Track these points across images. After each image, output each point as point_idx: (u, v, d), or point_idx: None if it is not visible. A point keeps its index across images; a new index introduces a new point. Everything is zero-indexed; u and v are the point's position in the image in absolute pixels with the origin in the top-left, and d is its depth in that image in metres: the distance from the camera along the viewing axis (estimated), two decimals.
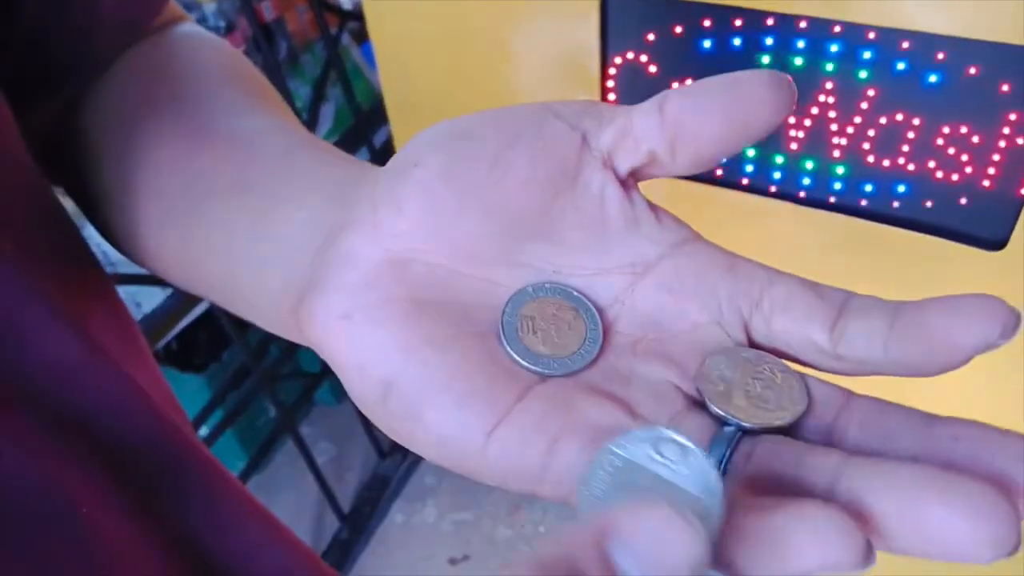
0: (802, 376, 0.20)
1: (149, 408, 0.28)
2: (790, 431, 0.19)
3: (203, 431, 1.14)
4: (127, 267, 0.34)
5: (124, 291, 0.96)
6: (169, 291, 1.01)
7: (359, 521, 1.26)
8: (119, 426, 0.28)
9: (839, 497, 0.17)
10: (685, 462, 0.17)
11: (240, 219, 0.27)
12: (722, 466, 0.18)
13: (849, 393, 0.20)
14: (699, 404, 0.20)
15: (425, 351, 0.21)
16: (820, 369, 0.21)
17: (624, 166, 0.22)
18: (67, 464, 0.25)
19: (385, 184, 0.22)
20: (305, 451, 1.16)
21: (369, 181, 0.23)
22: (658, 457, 0.17)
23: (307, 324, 0.22)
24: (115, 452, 0.27)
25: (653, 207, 0.23)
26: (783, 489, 0.18)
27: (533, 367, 0.21)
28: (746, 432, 0.19)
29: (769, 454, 0.19)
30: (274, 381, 1.18)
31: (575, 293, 0.22)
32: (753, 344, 0.21)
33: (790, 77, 0.21)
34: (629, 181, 0.23)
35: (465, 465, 0.20)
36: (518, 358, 0.21)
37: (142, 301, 0.99)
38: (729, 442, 0.19)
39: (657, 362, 0.21)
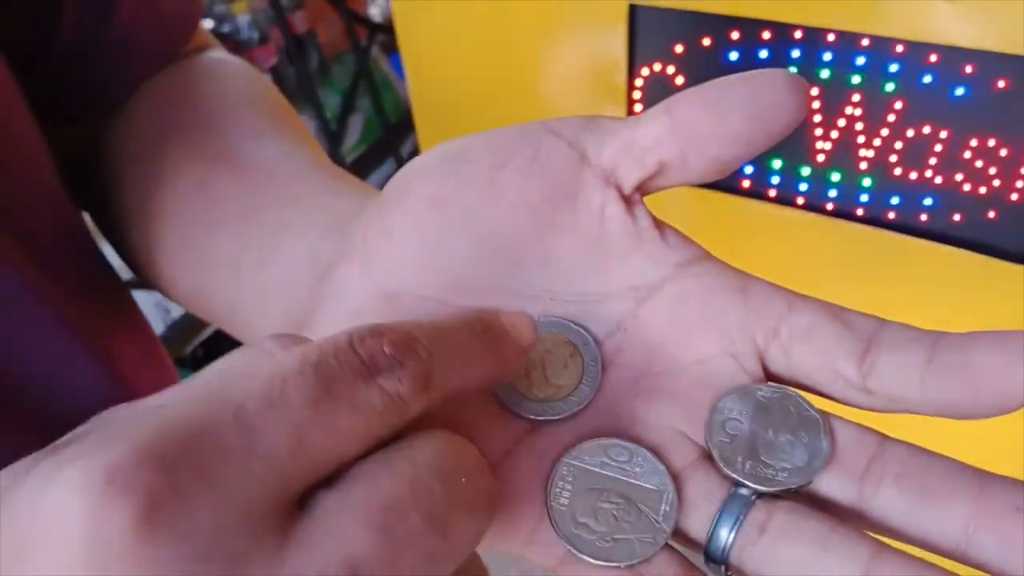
0: (826, 419, 0.18)
1: None
2: (813, 482, 0.18)
3: None
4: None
5: (152, 297, 0.98)
6: None
7: None
8: None
9: None
10: (634, 461, 0.18)
11: (247, 250, 0.27)
12: (732, 533, 0.17)
13: (883, 438, 0.18)
14: (708, 455, 0.19)
15: None
16: (848, 404, 0.19)
17: (629, 181, 0.21)
18: None
19: (376, 214, 0.22)
20: None
21: (366, 212, 0.23)
22: (610, 461, 0.19)
23: None
24: None
25: (658, 224, 0.21)
26: None
27: (524, 414, 0.20)
28: (761, 495, 0.18)
29: (787, 531, 0.17)
30: None
31: (572, 326, 0.21)
32: (771, 376, 0.19)
33: (800, 76, 0.20)
34: (634, 197, 0.21)
35: None
36: (507, 402, 0.20)
37: (170, 307, 1.01)
38: (741, 508, 0.17)
39: (661, 403, 0.20)
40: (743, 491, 0.18)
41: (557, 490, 0.18)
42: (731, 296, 0.20)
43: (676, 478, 0.18)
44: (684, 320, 0.20)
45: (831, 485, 0.18)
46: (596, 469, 0.18)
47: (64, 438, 0.15)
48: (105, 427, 0.14)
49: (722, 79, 0.20)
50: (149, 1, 0.32)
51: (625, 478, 0.18)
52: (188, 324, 1.04)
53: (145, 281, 0.33)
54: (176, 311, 1.02)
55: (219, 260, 0.28)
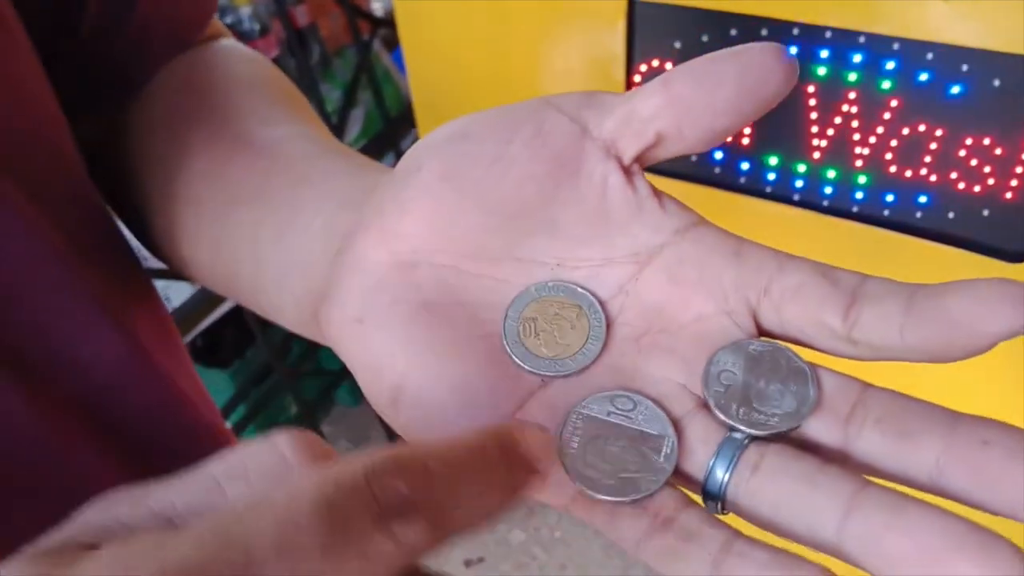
0: (813, 369, 0.20)
1: (186, 409, 0.30)
2: (801, 427, 0.19)
3: (226, 426, 1.16)
4: (158, 262, 0.35)
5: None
6: (198, 287, 1.03)
7: None
8: (157, 430, 0.29)
9: (851, 530, 0.16)
10: (637, 410, 0.20)
11: (265, 227, 0.28)
12: (727, 473, 0.19)
13: (865, 385, 0.19)
14: (703, 403, 0.20)
15: (429, 357, 0.21)
16: (835, 354, 0.20)
17: (629, 151, 0.22)
18: (104, 465, 0.27)
19: (390, 189, 0.23)
20: None
21: (379, 188, 0.24)
22: (616, 410, 0.20)
23: (325, 328, 0.23)
24: (152, 456, 0.28)
25: (657, 193, 0.23)
26: (791, 518, 0.18)
27: (535, 370, 0.21)
28: (754, 438, 0.19)
29: (777, 470, 0.18)
30: (296, 379, 1.20)
31: (578, 289, 0.22)
32: (763, 331, 0.21)
33: (789, 52, 0.21)
34: (633, 167, 0.22)
35: None
36: (520, 362, 0.21)
37: (171, 296, 1.02)
38: (735, 450, 0.19)
39: (662, 358, 0.21)
40: (737, 435, 0.19)
41: (568, 436, 0.20)
42: (726, 259, 0.21)
43: (676, 424, 0.20)
44: (682, 282, 0.21)
45: (818, 429, 0.19)
46: (603, 417, 0.20)
47: (58, 537, 0.15)
48: (107, 554, 0.14)
49: (714, 53, 0.21)
50: None
51: (630, 424, 0.20)
52: (187, 314, 1.04)
53: (166, 263, 0.34)
54: (176, 301, 1.02)
55: (238, 239, 0.29)
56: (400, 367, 0.21)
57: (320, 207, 0.26)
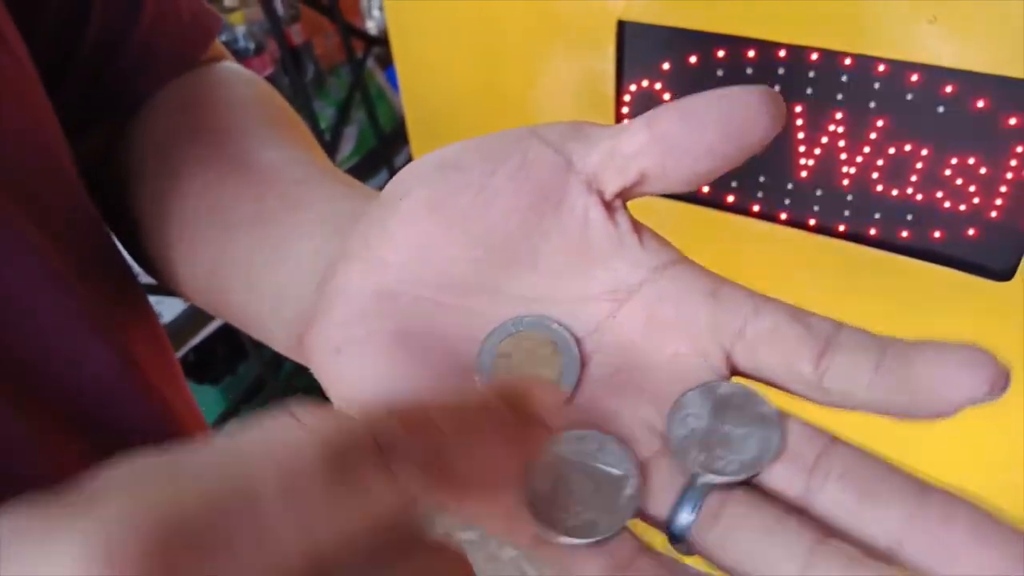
0: (781, 417, 0.20)
1: (177, 425, 0.30)
2: (764, 474, 0.19)
3: None
4: (149, 277, 0.36)
5: None
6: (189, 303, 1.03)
7: None
8: (149, 447, 0.29)
9: None
10: (604, 450, 0.20)
11: (258, 253, 0.28)
12: (690, 518, 0.19)
13: (831, 439, 0.19)
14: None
15: (403, 391, 0.21)
16: (806, 400, 0.20)
17: (611, 187, 0.22)
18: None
19: (375, 218, 0.23)
20: None
21: (366, 215, 0.24)
22: (582, 450, 0.20)
23: (308, 355, 0.23)
24: None
25: (638, 228, 0.22)
26: (752, 568, 0.18)
27: None
28: (715, 486, 0.19)
29: (737, 519, 0.18)
30: (288, 394, 1.19)
31: (554, 326, 0.22)
32: (737, 372, 0.21)
33: (777, 94, 0.21)
34: (615, 203, 0.22)
35: (439, 507, 0.20)
36: None
37: (163, 311, 1.02)
38: (697, 496, 0.19)
39: (634, 397, 0.21)
40: (699, 481, 0.19)
41: (533, 476, 0.20)
42: (702, 299, 0.21)
43: (643, 466, 0.20)
44: (658, 321, 0.21)
45: (782, 477, 0.19)
46: (569, 457, 0.20)
47: (71, 490, 0.15)
48: (115, 489, 0.13)
49: (700, 94, 0.21)
50: (170, 10, 0.34)
51: (595, 464, 0.20)
52: (179, 329, 1.04)
53: (161, 283, 0.34)
54: (167, 316, 1.02)
55: (231, 263, 0.29)
56: (372, 401, 0.21)
57: (312, 233, 0.26)
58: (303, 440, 0.14)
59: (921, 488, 0.17)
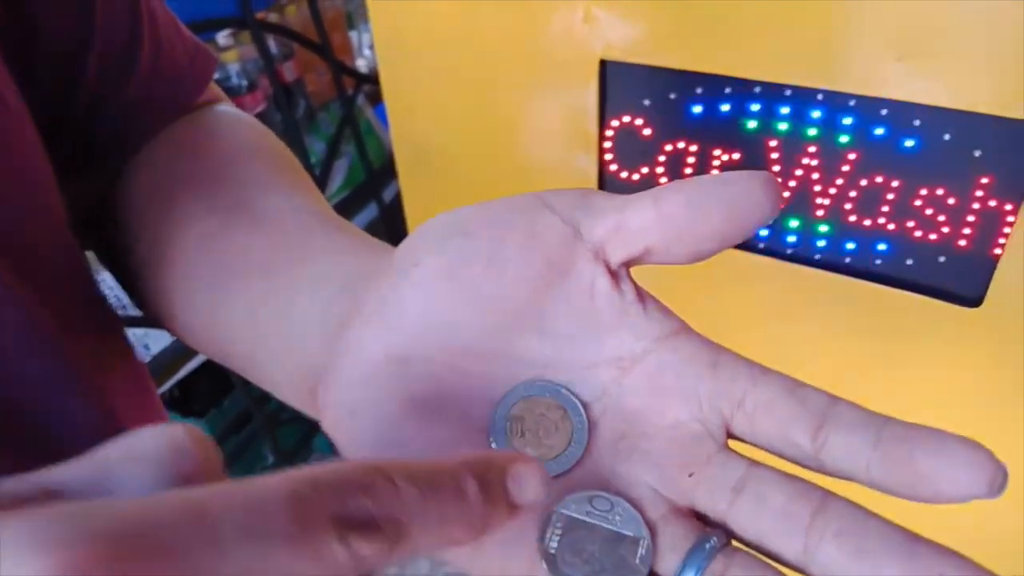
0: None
1: None
2: (765, 536, 0.20)
3: None
4: (136, 309, 0.36)
5: (133, 334, 0.99)
6: None
7: None
8: None
9: None
10: (614, 511, 0.21)
11: (264, 304, 0.28)
12: None
13: (825, 494, 0.20)
14: (679, 510, 0.21)
15: (418, 454, 0.21)
16: (804, 467, 0.21)
17: (617, 257, 0.23)
18: None
19: (390, 283, 0.23)
20: None
21: (377, 276, 0.24)
22: (594, 510, 0.21)
23: (322, 412, 0.24)
24: None
25: (642, 297, 0.23)
26: None
27: None
28: (719, 549, 0.20)
29: None
30: (274, 427, 1.19)
31: (563, 391, 0.23)
32: (736, 439, 0.22)
33: (777, 180, 0.22)
34: (620, 271, 0.23)
35: (458, 566, 0.21)
36: None
37: (150, 344, 1.02)
38: (702, 559, 0.20)
39: (639, 462, 0.22)
40: (706, 544, 0.20)
41: (548, 535, 0.21)
42: (703, 370, 0.22)
43: (651, 527, 0.21)
44: (661, 389, 0.22)
45: (781, 539, 0.19)
46: (582, 517, 0.21)
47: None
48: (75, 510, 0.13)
49: (705, 178, 0.22)
50: (167, 55, 0.34)
51: (607, 525, 0.21)
52: (165, 364, 1.04)
53: (157, 324, 0.34)
54: (155, 349, 1.03)
55: (236, 313, 0.29)
56: None
57: (319, 287, 0.27)
58: (275, 484, 0.14)
59: (911, 543, 0.18)
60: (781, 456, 0.21)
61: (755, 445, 0.21)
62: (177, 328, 0.33)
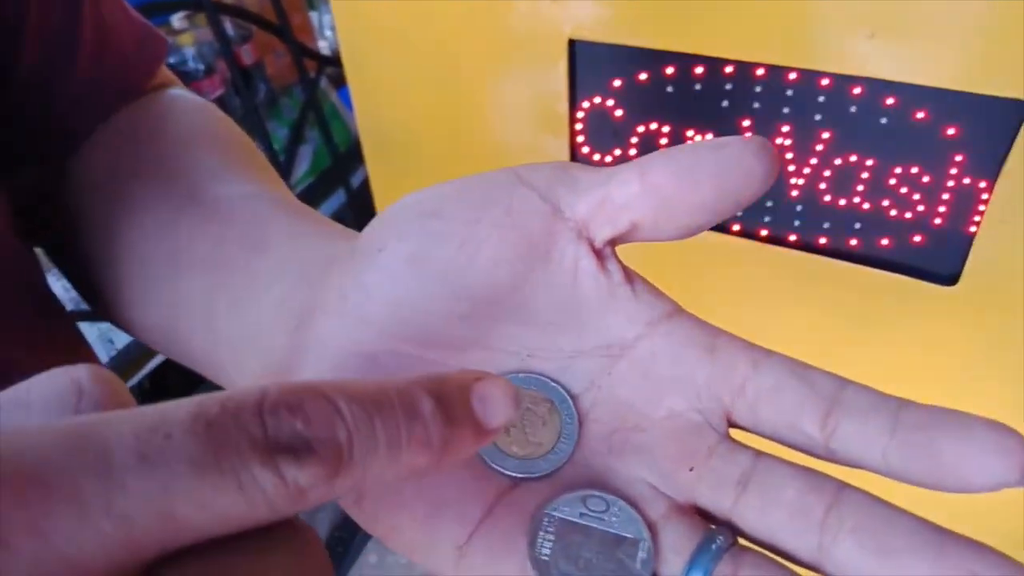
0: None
1: None
2: (777, 533, 0.19)
3: None
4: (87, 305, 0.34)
5: (96, 328, 0.96)
6: None
7: (332, 561, 1.24)
8: None
9: None
10: (611, 511, 0.19)
11: (219, 296, 0.26)
12: None
13: (839, 486, 0.18)
14: (680, 508, 0.20)
15: None
16: (812, 456, 0.19)
17: (602, 236, 0.21)
18: None
19: (351, 269, 0.22)
20: None
21: (338, 263, 0.23)
22: (588, 512, 0.19)
23: None
24: None
25: (630, 277, 0.22)
26: None
27: (505, 471, 0.20)
28: (726, 549, 0.18)
29: None
30: None
31: (550, 383, 0.21)
32: (736, 427, 0.20)
33: (774, 145, 0.20)
34: (606, 250, 0.21)
35: (442, 574, 0.19)
36: (489, 461, 0.20)
37: (115, 339, 0.99)
38: (709, 560, 0.18)
39: (634, 457, 0.20)
40: (712, 544, 0.18)
41: (539, 541, 0.19)
42: (699, 355, 0.20)
43: (651, 527, 0.19)
44: (654, 378, 0.21)
45: (793, 537, 0.18)
46: (575, 520, 0.19)
47: None
48: None
49: (694, 145, 0.20)
50: (113, 41, 0.32)
51: (603, 527, 0.19)
52: (133, 356, 1.02)
53: (116, 325, 0.32)
54: (121, 342, 1.00)
55: (190, 306, 0.27)
56: None
57: (276, 277, 0.25)
58: (177, 408, 0.12)
59: (939, 538, 0.16)
60: (787, 445, 0.20)
61: (759, 434, 0.20)
62: (130, 323, 0.31)
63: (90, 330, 0.95)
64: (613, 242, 0.21)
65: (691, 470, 0.20)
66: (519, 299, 0.21)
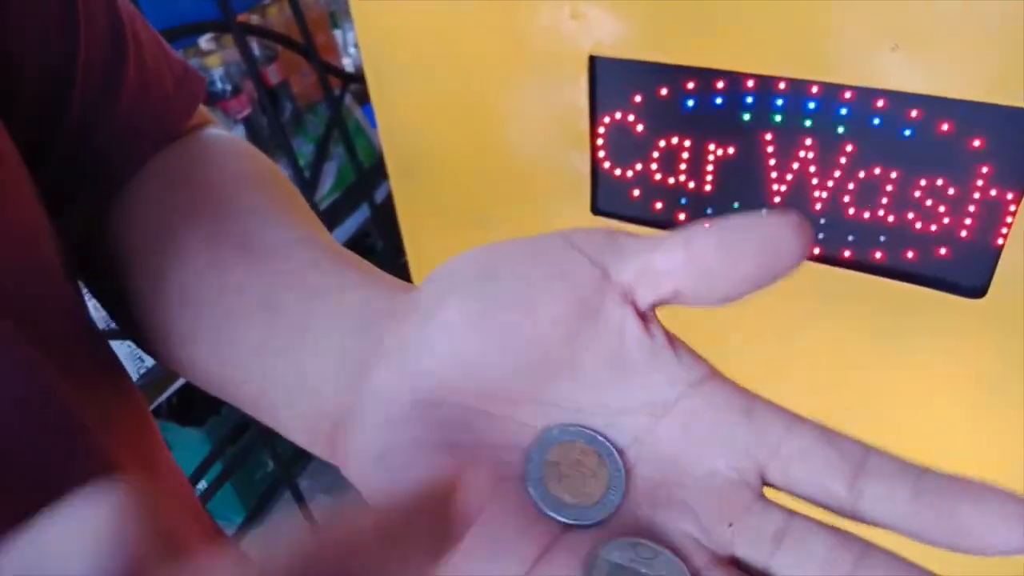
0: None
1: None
2: None
3: (202, 485, 1.14)
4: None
5: (126, 346, 0.98)
6: None
7: None
8: None
9: None
10: (658, 560, 0.20)
11: (274, 342, 0.27)
12: None
13: (866, 545, 0.19)
14: (721, 560, 0.21)
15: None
16: (839, 515, 0.21)
17: (646, 300, 0.22)
18: None
19: (412, 322, 0.23)
20: (303, 504, 1.16)
21: (399, 316, 0.24)
22: (638, 558, 0.21)
23: (343, 457, 0.23)
24: None
25: (672, 340, 0.23)
26: None
27: (558, 517, 0.22)
28: None
29: None
30: (273, 434, 1.18)
31: (599, 437, 0.22)
32: (769, 486, 0.21)
33: (807, 221, 0.21)
34: (649, 314, 0.23)
35: None
36: (544, 508, 0.22)
37: (145, 356, 1.01)
38: None
39: (676, 511, 0.21)
40: None
41: None
42: (737, 417, 0.22)
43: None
44: (695, 436, 0.22)
45: None
46: (626, 564, 0.21)
47: None
48: None
49: (735, 220, 0.21)
50: (153, 81, 0.33)
51: (651, 573, 0.20)
52: (161, 374, 1.03)
53: (162, 363, 0.33)
54: (150, 360, 1.02)
55: (243, 350, 0.28)
56: None
57: (333, 326, 0.26)
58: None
59: None
60: (816, 504, 0.21)
61: (790, 493, 0.21)
62: (179, 365, 0.31)
63: (120, 348, 0.96)
64: (655, 306, 0.23)
65: (730, 525, 0.21)
66: (570, 357, 0.22)
